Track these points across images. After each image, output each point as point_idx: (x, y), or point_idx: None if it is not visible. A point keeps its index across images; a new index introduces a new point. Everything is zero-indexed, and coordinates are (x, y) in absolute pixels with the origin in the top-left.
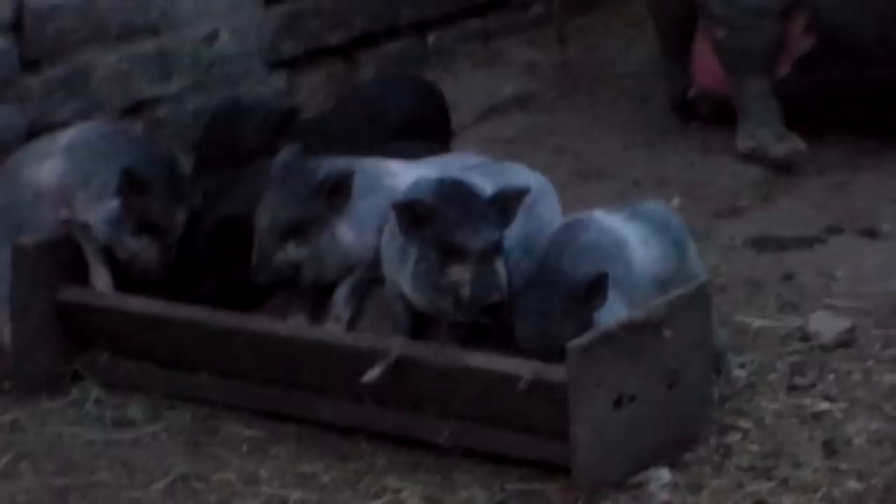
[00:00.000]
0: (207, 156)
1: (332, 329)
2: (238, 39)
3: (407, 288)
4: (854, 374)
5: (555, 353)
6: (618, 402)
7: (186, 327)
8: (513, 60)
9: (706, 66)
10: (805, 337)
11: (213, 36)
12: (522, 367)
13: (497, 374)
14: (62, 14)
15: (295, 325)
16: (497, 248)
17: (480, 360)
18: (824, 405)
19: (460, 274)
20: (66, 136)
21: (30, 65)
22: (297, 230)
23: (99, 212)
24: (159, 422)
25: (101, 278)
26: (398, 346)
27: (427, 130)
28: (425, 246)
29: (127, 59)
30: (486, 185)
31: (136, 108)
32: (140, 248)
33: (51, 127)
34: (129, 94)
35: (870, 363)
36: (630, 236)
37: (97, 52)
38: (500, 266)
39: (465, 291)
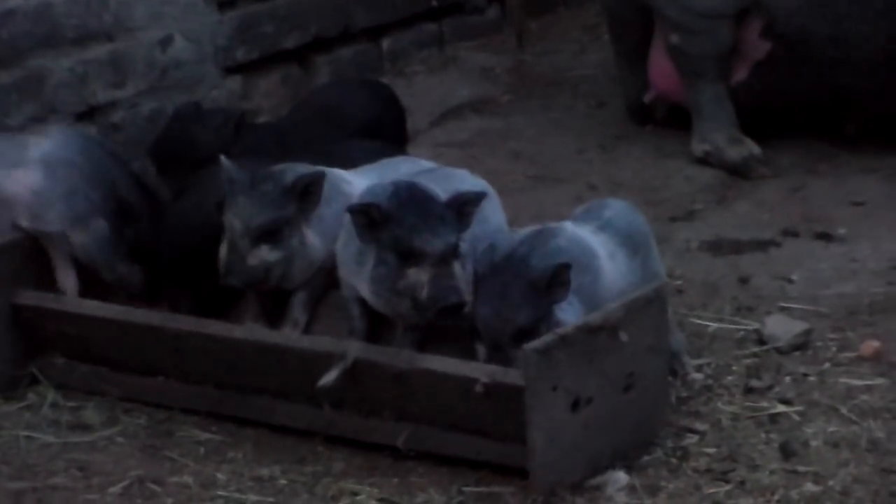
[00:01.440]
0: (165, 159)
1: (289, 333)
2: (192, 44)
3: (365, 291)
4: (810, 376)
5: (507, 336)
6: (574, 405)
7: (142, 331)
8: (468, 65)
9: (663, 70)
10: (761, 340)
11: (167, 40)
12: (479, 371)
13: (454, 378)
14: (16, 19)
15: (251, 329)
16: (454, 251)
17: (437, 363)
18: (781, 408)
19: (418, 276)
20: (40, 147)
21: None
22: (271, 233)
23: (87, 232)
24: (116, 425)
25: (69, 282)
26: (355, 349)
27: (383, 133)
28: (383, 250)
29: (81, 64)
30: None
31: (90, 113)
32: (130, 273)
33: (5, 129)
34: (84, 98)
35: (826, 366)
36: (599, 250)
37: (51, 56)
38: (457, 268)
39: (423, 294)
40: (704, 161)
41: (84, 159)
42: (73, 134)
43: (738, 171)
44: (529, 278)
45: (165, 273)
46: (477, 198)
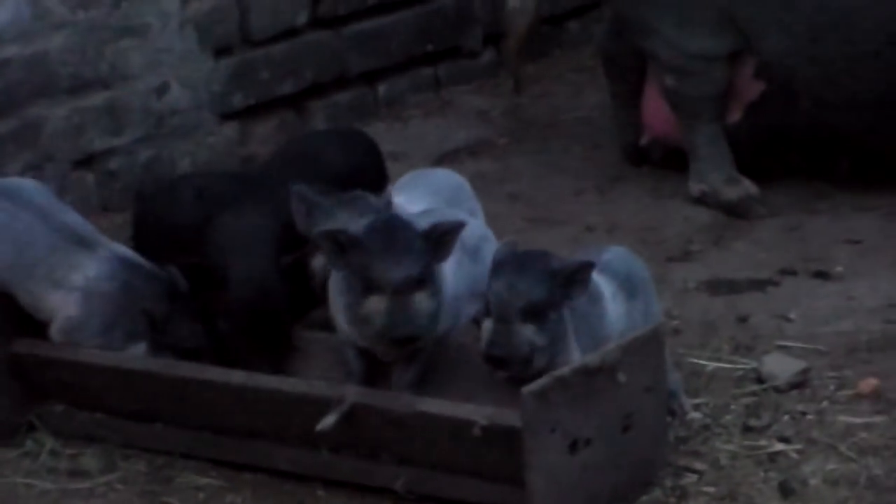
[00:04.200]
0: (146, 244)
1: (285, 378)
2: (188, 91)
3: (341, 320)
4: (809, 414)
5: (516, 310)
6: (573, 447)
7: (140, 377)
8: (464, 108)
9: (658, 114)
10: (759, 378)
11: (163, 88)
12: (477, 413)
13: (452, 420)
14: (12, 67)
15: (248, 375)
16: (420, 282)
17: (434, 406)
18: (779, 446)
19: (377, 305)
20: (84, 274)
21: None
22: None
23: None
24: (114, 472)
25: None
26: (352, 393)
27: (362, 182)
28: (352, 276)
29: (78, 112)
30: None
31: (87, 161)
32: None
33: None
34: (80, 146)
35: (824, 404)
36: (604, 288)
37: (48, 105)
38: (420, 300)
39: (379, 323)
40: (701, 201)
41: (122, 290)
42: (118, 257)
43: (736, 211)
44: (550, 266)
45: (240, 336)
46: (456, 227)
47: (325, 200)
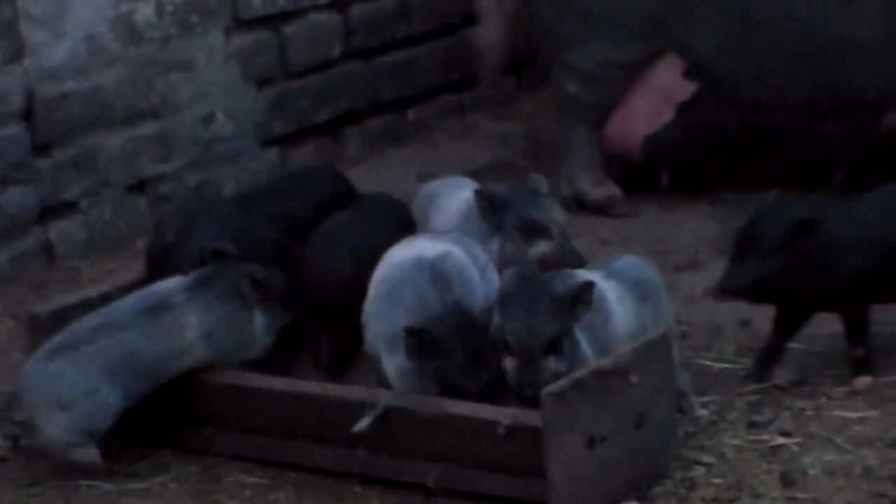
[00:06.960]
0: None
1: (324, 384)
2: (232, 120)
3: None
4: (807, 410)
5: (537, 349)
6: (590, 443)
7: (189, 386)
8: (486, 132)
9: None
10: (761, 377)
11: (209, 118)
12: (501, 414)
13: (478, 421)
14: (70, 101)
15: (289, 381)
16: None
17: (462, 408)
18: (781, 440)
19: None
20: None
21: (41, 148)
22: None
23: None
24: (168, 472)
25: None
26: (385, 397)
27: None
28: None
29: (130, 141)
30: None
31: (140, 186)
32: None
33: (63, 205)
34: (134, 172)
35: (822, 400)
36: (609, 294)
37: (103, 135)
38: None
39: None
40: (570, 201)
41: (229, 285)
42: (195, 281)
43: (603, 210)
44: (554, 294)
45: (309, 318)
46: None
47: (502, 194)
